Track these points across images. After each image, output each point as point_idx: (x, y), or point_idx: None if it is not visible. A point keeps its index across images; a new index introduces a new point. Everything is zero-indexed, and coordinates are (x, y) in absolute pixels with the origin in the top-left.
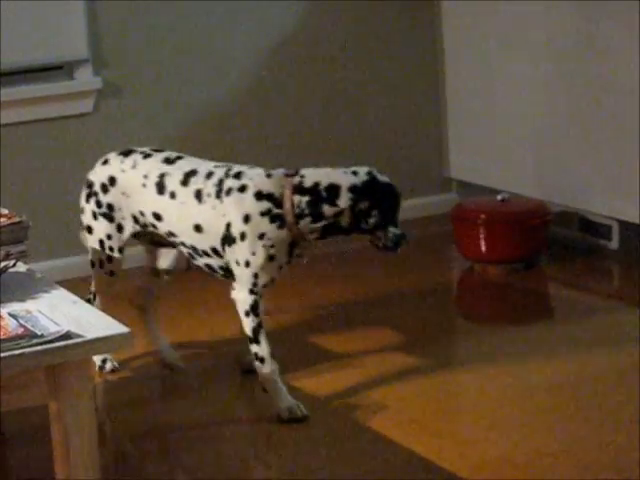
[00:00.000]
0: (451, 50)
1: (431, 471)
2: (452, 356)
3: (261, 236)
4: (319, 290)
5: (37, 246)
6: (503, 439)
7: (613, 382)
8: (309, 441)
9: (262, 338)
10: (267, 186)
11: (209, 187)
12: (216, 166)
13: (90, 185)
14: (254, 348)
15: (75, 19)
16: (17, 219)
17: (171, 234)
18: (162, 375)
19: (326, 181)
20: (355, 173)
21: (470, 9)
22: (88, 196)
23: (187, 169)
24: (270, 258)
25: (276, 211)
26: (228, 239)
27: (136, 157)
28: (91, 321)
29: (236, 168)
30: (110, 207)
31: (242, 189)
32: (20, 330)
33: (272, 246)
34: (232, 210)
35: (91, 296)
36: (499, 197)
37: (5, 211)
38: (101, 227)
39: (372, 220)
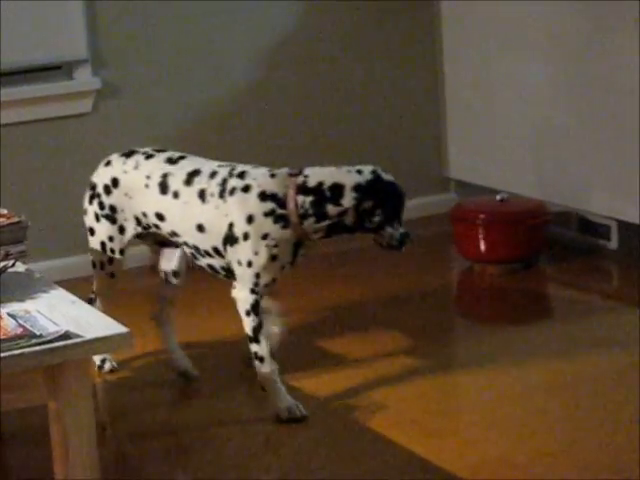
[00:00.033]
0: (451, 50)
1: (431, 471)
2: (452, 356)
3: (264, 236)
4: (318, 290)
5: (36, 246)
6: (503, 439)
7: (613, 382)
8: (309, 441)
9: (262, 338)
10: (271, 186)
11: (213, 187)
12: (220, 165)
13: (93, 187)
14: (254, 347)
15: (74, 19)
16: (16, 219)
17: (174, 234)
18: (162, 375)
19: (330, 180)
20: (359, 172)
21: (470, 9)
22: (91, 198)
23: (190, 169)
24: (273, 258)
25: (280, 211)
26: (230, 239)
27: (138, 158)
28: (90, 321)
29: (240, 167)
30: (113, 209)
31: (246, 189)
32: (19, 330)
33: (275, 246)
34: (235, 210)
35: (93, 296)
36: (498, 197)
37: (4, 211)
38: (103, 229)
39: (376, 219)
